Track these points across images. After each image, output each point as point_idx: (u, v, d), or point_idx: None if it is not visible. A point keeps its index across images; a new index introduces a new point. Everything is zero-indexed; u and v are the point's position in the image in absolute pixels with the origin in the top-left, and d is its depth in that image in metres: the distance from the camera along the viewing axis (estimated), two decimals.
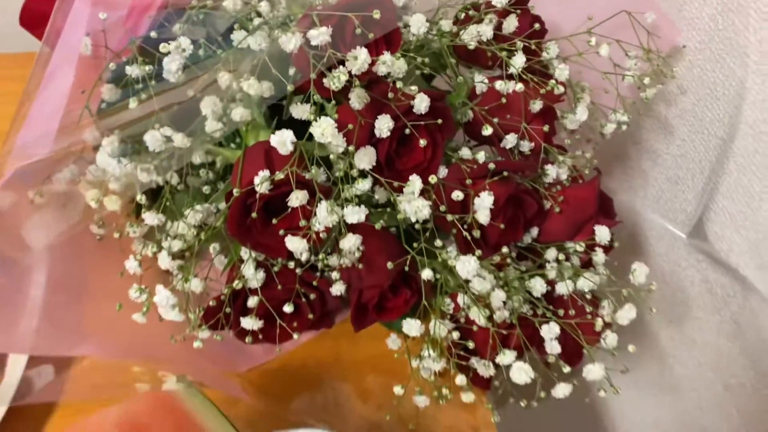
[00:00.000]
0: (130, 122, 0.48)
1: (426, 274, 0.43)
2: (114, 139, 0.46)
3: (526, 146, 0.51)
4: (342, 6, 0.44)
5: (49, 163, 0.49)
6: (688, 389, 0.67)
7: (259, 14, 0.50)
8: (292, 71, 0.49)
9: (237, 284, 0.47)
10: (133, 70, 0.46)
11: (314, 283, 0.48)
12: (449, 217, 0.44)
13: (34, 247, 0.44)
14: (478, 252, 0.43)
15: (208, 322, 0.47)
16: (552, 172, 0.53)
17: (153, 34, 0.49)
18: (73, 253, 0.50)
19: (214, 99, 0.47)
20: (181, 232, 0.47)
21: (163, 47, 0.45)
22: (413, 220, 0.42)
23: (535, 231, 0.53)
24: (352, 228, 0.42)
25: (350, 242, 0.41)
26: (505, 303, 0.47)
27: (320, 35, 0.38)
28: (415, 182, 0.42)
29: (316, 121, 0.39)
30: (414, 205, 0.42)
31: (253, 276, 0.47)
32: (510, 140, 0.50)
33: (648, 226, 0.71)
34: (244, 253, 0.47)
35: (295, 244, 0.41)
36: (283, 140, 0.39)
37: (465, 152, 0.51)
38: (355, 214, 0.41)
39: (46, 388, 0.48)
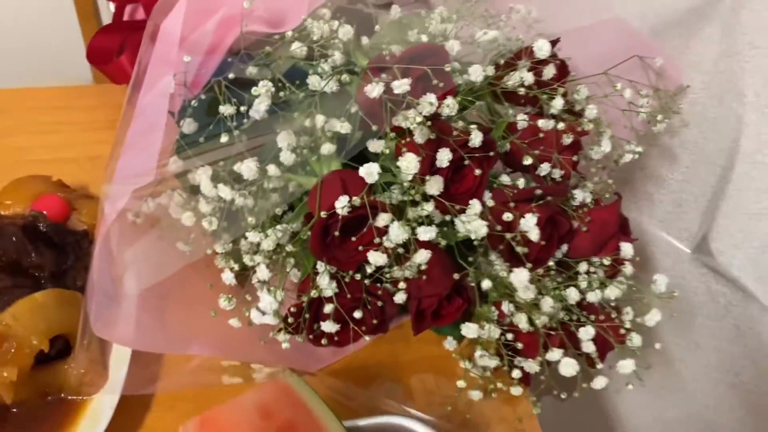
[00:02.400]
0: (220, 154, 0.56)
1: (486, 284, 0.51)
2: (208, 169, 0.53)
3: (557, 174, 0.59)
4: (406, 58, 0.52)
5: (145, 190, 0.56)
6: (695, 389, 0.75)
7: (324, 57, 0.58)
8: (354, 109, 0.57)
9: (314, 293, 0.54)
10: (226, 109, 0.54)
11: (379, 293, 0.55)
12: (508, 236, 0.51)
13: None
14: (529, 265, 0.51)
15: (289, 327, 0.55)
16: (579, 195, 0.61)
17: (231, 75, 0.56)
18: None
19: (290, 134, 0.55)
20: (265, 248, 0.55)
21: (254, 90, 0.53)
22: (473, 237, 0.50)
23: (564, 247, 0.61)
24: (423, 244, 0.49)
25: (423, 257, 0.49)
26: (552, 306, 0.54)
27: (402, 86, 0.46)
28: (475, 205, 0.49)
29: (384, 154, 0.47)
30: (474, 225, 0.49)
31: (327, 286, 0.54)
32: (545, 168, 0.58)
33: (655, 243, 0.79)
34: (320, 266, 0.55)
35: (377, 258, 0.48)
36: (370, 171, 0.46)
37: (505, 179, 0.59)
38: (428, 233, 0.48)
39: (148, 378, 0.55)
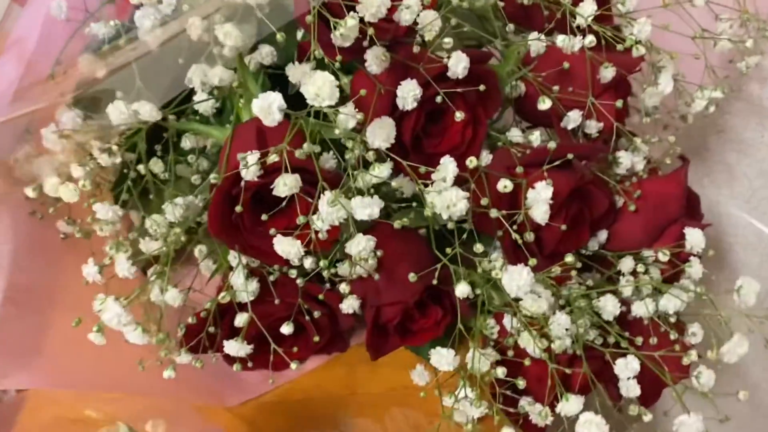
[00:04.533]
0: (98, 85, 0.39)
1: (461, 290, 0.33)
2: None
3: (593, 127, 0.41)
4: None
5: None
6: None
7: None
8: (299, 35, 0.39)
9: (224, 297, 0.37)
10: (99, 29, 0.37)
11: (320, 297, 0.38)
12: (493, 213, 0.33)
13: None
14: (532, 261, 0.33)
15: (189, 344, 0.38)
16: (626, 160, 0.42)
17: None
18: (32, 254, 0.41)
19: (204, 66, 0.38)
20: (158, 230, 0.38)
21: None
22: (445, 217, 0.32)
23: (603, 235, 0.42)
24: (365, 227, 0.32)
25: (360, 246, 0.31)
26: (567, 329, 0.36)
27: None
28: (447, 166, 0.31)
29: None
30: (446, 197, 0.31)
31: (243, 287, 0.37)
32: (573, 118, 0.40)
33: (735, 231, 0.59)
34: (233, 258, 0.38)
35: (286, 247, 0.31)
36: (268, 105, 0.29)
37: (515, 134, 0.40)
38: (366, 208, 0.30)
39: None
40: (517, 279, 0.31)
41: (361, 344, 0.44)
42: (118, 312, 0.32)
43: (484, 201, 0.33)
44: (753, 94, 0.56)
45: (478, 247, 0.34)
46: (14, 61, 0.41)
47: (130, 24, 0.36)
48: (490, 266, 0.35)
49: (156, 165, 0.42)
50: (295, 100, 0.35)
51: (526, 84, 0.41)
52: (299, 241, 0.32)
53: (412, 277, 0.33)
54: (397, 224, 0.35)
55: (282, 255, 0.32)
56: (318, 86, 0.27)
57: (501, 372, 0.34)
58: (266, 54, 0.39)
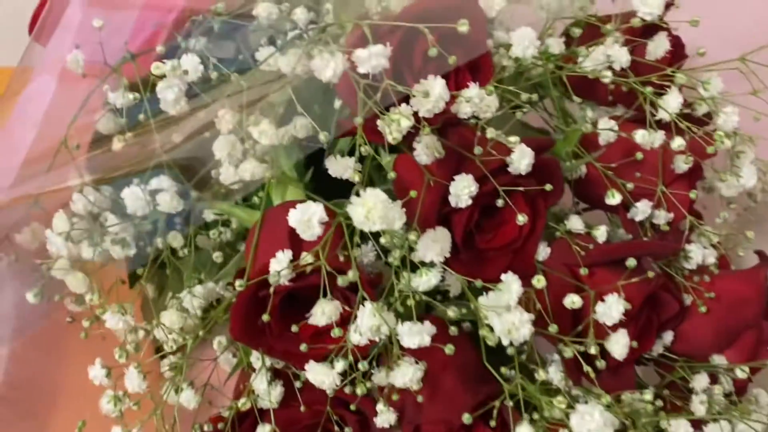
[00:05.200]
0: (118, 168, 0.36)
1: (523, 430, 0.28)
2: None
3: (662, 217, 0.36)
4: (410, 15, 0.30)
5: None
6: None
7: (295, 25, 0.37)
8: (338, 104, 0.35)
9: (244, 403, 0.33)
10: (116, 99, 0.34)
11: (352, 407, 0.33)
12: (564, 346, 0.29)
13: None
14: (606, 398, 0.28)
15: None
16: (697, 254, 0.37)
17: (160, 48, 0.36)
18: (34, 342, 0.37)
19: (233, 139, 0.34)
20: (173, 320, 0.34)
21: (155, 67, 0.32)
22: (505, 343, 0.27)
23: (669, 336, 0.37)
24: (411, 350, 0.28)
25: (406, 377, 0.27)
26: None
27: (373, 58, 0.24)
28: (510, 285, 0.27)
29: (361, 187, 0.25)
30: (507, 321, 0.27)
31: (266, 392, 0.33)
32: (642, 210, 0.35)
33: None
34: (256, 359, 0.34)
35: (320, 376, 0.27)
36: (308, 219, 0.25)
37: (576, 225, 0.36)
38: (415, 336, 0.26)
39: None
40: (588, 422, 0.27)
41: None
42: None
43: (552, 328, 0.28)
44: None
45: (541, 375, 0.29)
46: (26, 124, 0.38)
47: (151, 97, 0.32)
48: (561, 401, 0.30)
49: (175, 239, 0.38)
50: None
51: (588, 164, 0.37)
52: (335, 371, 0.27)
53: (466, 419, 0.29)
54: (452, 330, 0.30)
55: (315, 383, 0.28)
56: (368, 208, 0.23)
57: None
58: (301, 126, 0.35)
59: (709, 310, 0.37)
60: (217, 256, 0.39)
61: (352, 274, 0.26)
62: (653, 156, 0.35)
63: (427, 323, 0.27)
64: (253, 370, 0.34)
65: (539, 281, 0.29)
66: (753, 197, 0.46)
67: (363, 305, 0.28)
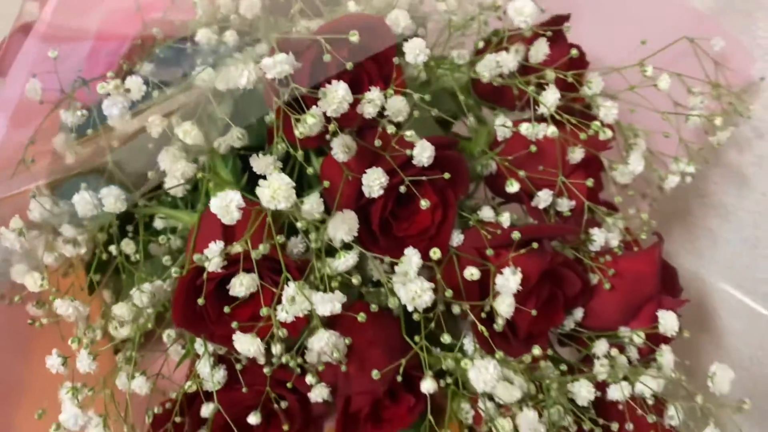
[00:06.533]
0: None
1: (427, 386, 0.32)
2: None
3: (564, 205, 0.40)
4: (323, 32, 0.34)
5: None
6: None
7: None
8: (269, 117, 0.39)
9: (190, 386, 0.37)
10: (67, 117, 0.38)
11: (289, 384, 0.37)
12: (459, 308, 0.32)
13: None
14: (499, 354, 0.32)
15: None
16: (599, 237, 0.42)
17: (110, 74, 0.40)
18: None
19: (174, 151, 0.38)
20: (123, 312, 0.37)
21: (100, 87, 0.36)
22: (410, 308, 0.31)
23: (579, 313, 0.41)
24: (329, 319, 0.31)
25: (322, 341, 0.31)
26: (540, 415, 0.35)
27: (278, 65, 0.29)
28: (410, 258, 0.31)
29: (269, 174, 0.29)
30: (411, 289, 0.31)
31: (209, 376, 0.36)
32: (543, 198, 0.40)
33: (718, 299, 0.58)
34: (199, 345, 0.37)
35: (245, 345, 0.30)
36: (225, 205, 0.29)
37: (487, 213, 0.40)
38: (327, 303, 0.30)
39: None
40: (483, 374, 0.31)
41: None
42: (75, 413, 0.31)
43: (448, 293, 0.32)
44: (732, 160, 0.56)
45: (446, 338, 0.33)
46: None
47: (98, 111, 0.36)
48: (459, 355, 0.34)
49: (128, 246, 0.42)
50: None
51: (497, 163, 0.42)
52: (259, 339, 0.31)
53: (375, 374, 0.32)
54: (372, 308, 0.34)
55: (242, 352, 0.31)
56: (274, 189, 0.27)
57: None
58: (236, 137, 0.40)
59: (614, 287, 0.41)
60: (166, 260, 0.43)
61: (262, 247, 0.30)
62: (552, 150, 0.40)
63: (337, 292, 0.30)
64: (198, 356, 0.37)
65: (435, 253, 0.32)
66: (663, 190, 0.51)
67: (287, 285, 0.32)
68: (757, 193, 0.53)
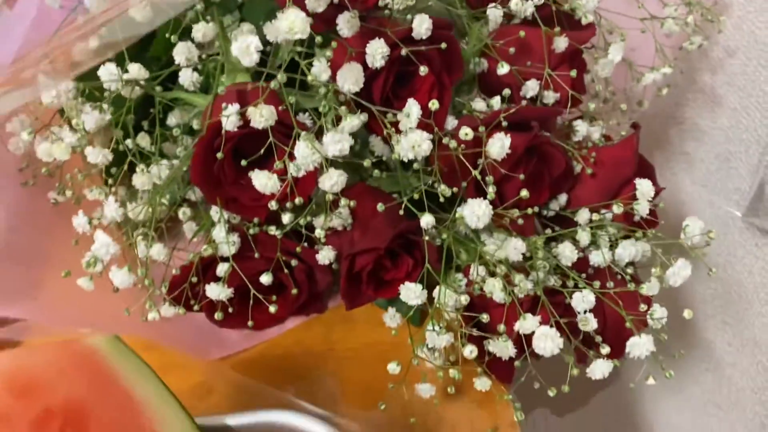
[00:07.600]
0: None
1: (426, 220, 0.35)
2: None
3: (550, 97, 0.44)
4: None
5: None
6: (753, 402, 0.57)
7: None
8: None
9: (206, 250, 0.40)
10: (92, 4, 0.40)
11: (297, 249, 0.40)
12: (453, 148, 0.36)
13: None
14: (491, 193, 0.35)
15: (172, 295, 0.40)
16: (582, 128, 0.45)
17: None
18: (25, 221, 0.43)
19: (188, 44, 0.41)
20: (143, 181, 0.40)
21: None
22: (411, 157, 0.34)
23: (563, 198, 0.45)
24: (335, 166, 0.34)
25: (332, 180, 0.34)
26: (528, 273, 0.38)
27: None
28: (411, 107, 0.34)
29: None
30: (411, 139, 0.34)
31: (224, 240, 0.39)
32: (531, 87, 0.43)
33: (695, 208, 0.62)
34: (215, 212, 0.40)
35: (263, 180, 0.33)
36: (246, 46, 0.32)
37: (479, 104, 0.43)
38: (337, 144, 0.33)
39: None
40: (477, 209, 0.34)
41: (338, 306, 0.46)
42: (106, 242, 0.34)
43: (446, 140, 0.36)
44: (705, 83, 0.59)
45: (443, 188, 0.36)
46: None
47: None
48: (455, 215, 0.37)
49: (143, 139, 0.45)
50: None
51: (489, 60, 0.45)
52: (276, 175, 0.34)
53: (380, 207, 0.35)
54: (370, 181, 0.37)
55: (259, 189, 0.34)
56: (291, 20, 0.30)
57: (464, 299, 0.37)
58: (247, 30, 0.43)
59: (595, 173, 0.45)
60: (179, 151, 0.46)
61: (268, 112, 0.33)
62: (539, 46, 0.43)
63: (343, 134, 0.33)
64: (213, 225, 0.40)
65: (433, 104, 0.36)
66: (641, 104, 0.55)
67: (298, 140, 0.35)
68: (728, 109, 0.57)
